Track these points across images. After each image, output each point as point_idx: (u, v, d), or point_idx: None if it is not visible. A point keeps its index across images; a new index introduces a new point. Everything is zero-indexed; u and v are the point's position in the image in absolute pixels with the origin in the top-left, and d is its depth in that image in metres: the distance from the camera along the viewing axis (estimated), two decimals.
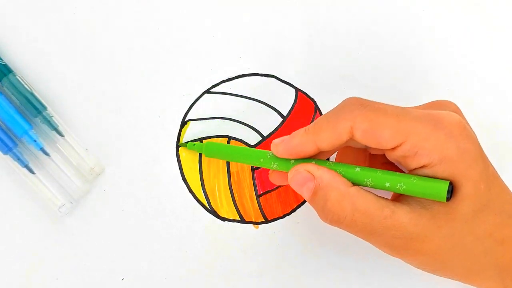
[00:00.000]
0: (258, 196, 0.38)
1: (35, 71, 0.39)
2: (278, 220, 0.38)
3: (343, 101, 0.30)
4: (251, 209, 0.38)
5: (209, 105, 0.39)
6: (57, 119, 0.37)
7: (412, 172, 0.29)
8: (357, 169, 0.30)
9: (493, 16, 0.41)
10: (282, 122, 0.39)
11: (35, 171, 0.37)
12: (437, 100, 0.33)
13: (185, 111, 0.39)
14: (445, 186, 0.27)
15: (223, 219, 0.38)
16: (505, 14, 0.41)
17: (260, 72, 0.40)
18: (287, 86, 0.40)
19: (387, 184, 0.29)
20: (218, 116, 0.39)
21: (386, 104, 0.29)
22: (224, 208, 0.38)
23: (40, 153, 0.37)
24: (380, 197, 0.29)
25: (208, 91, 0.40)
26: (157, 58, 0.40)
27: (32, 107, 0.37)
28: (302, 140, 0.30)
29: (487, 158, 0.30)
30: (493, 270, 0.30)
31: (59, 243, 0.37)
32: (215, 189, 0.38)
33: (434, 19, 0.41)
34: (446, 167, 0.28)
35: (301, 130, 0.31)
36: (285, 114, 0.39)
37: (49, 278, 0.36)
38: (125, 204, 0.37)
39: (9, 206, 0.37)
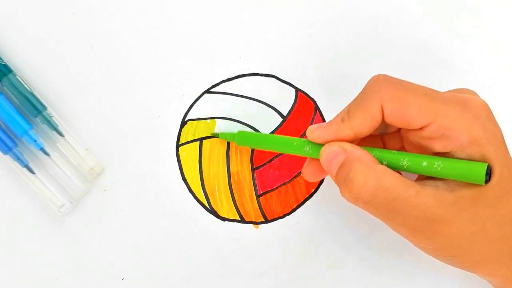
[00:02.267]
0: (258, 196, 0.38)
1: (35, 71, 0.39)
2: (278, 220, 0.38)
3: (370, 80, 0.30)
4: (251, 209, 0.38)
5: (209, 105, 0.39)
6: (57, 119, 0.37)
7: (436, 155, 0.29)
8: (393, 152, 0.30)
9: (493, 16, 0.41)
10: (282, 122, 0.39)
11: (35, 171, 0.37)
12: (458, 88, 0.33)
13: (185, 111, 0.39)
14: (483, 168, 0.27)
15: (223, 219, 0.38)
16: (506, 15, 0.41)
17: (260, 72, 0.40)
18: (287, 86, 0.40)
19: (424, 163, 0.28)
20: (218, 116, 0.39)
21: (414, 83, 0.29)
22: (224, 208, 0.38)
23: (40, 153, 0.37)
24: (406, 178, 0.29)
25: (208, 91, 0.40)
26: (157, 58, 0.40)
27: (32, 107, 0.37)
28: (338, 128, 0.30)
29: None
30: (508, 256, 0.30)
31: (59, 243, 0.37)
32: (215, 189, 0.38)
33: (434, 19, 0.41)
34: (475, 149, 0.28)
35: (338, 119, 0.31)
36: (285, 114, 0.39)
37: (49, 278, 0.36)
38: (125, 204, 0.37)
39: (9, 206, 0.37)
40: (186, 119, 0.39)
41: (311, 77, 0.40)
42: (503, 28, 0.41)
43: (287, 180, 0.38)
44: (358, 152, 0.30)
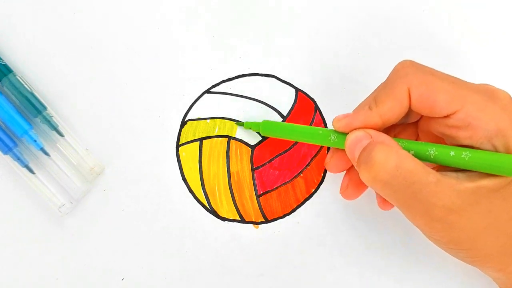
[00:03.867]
0: (258, 196, 0.38)
1: (35, 71, 0.39)
2: (278, 220, 0.38)
3: (396, 66, 0.30)
4: (251, 209, 0.38)
5: (209, 105, 0.39)
6: (57, 119, 0.37)
7: (460, 146, 0.29)
8: (420, 142, 0.29)
9: (492, 17, 0.41)
10: (282, 122, 0.39)
11: (35, 171, 0.37)
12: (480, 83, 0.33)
13: (185, 111, 0.39)
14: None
15: (223, 219, 0.38)
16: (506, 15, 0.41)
17: (260, 72, 0.40)
18: (287, 86, 0.40)
19: (452, 153, 0.28)
20: (218, 116, 0.39)
21: (440, 71, 0.29)
22: (224, 208, 0.38)
23: (40, 153, 0.37)
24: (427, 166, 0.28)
25: (208, 91, 0.40)
26: (157, 58, 0.40)
27: (32, 107, 0.37)
28: (366, 116, 0.30)
29: None
30: None
31: (59, 243, 0.37)
32: (215, 189, 0.38)
33: (434, 19, 0.41)
34: (500, 141, 0.27)
35: (365, 107, 0.30)
36: (285, 114, 0.39)
37: (49, 278, 0.36)
38: (125, 204, 0.37)
39: (9, 206, 0.37)
40: (186, 119, 0.39)
41: (311, 77, 0.40)
42: (503, 27, 0.41)
43: (287, 180, 0.38)
44: (383, 136, 0.29)
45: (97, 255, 0.37)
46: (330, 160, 0.33)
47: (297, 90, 0.40)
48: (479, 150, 0.28)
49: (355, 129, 0.30)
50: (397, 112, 0.29)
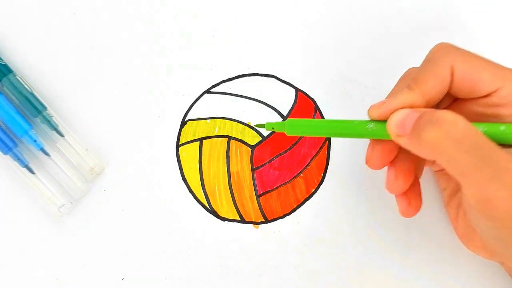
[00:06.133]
0: (258, 196, 0.38)
1: (35, 71, 0.39)
2: (278, 220, 0.38)
3: (434, 48, 0.30)
4: (251, 209, 0.38)
5: (209, 105, 0.39)
6: (57, 119, 0.37)
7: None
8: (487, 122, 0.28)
9: (492, 17, 0.41)
10: None
11: (35, 171, 0.37)
12: None
13: (185, 111, 0.39)
14: None
15: (223, 219, 0.37)
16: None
17: (260, 72, 0.40)
18: (287, 86, 0.40)
19: (502, 128, 0.27)
20: (218, 116, 0.39)
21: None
22: (224, 208, 0.38)
23: (40, 153, 0.37)
24: None
25: (208, 91, 0.40)
26: (157, 58, 0.40)
27: (32, 107, 0.37)
28: (407, 97, 0.29)
29: None
30: None
31: (59, 243, 0.37)
32: (215, 189, 0.38)
33: (435, 19, 0.41)
34: None
35: (403, 89, 0.29)
36: (285, 114, 0.39)
37: (49, 278, 0.36)
38: (125, 204, 0.37)
39: (9, 206, 0.37)
40: (186, 119, 0.39)
41: (311, 77, 0.40)
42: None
43: (287, 180, 0.38)
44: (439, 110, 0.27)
45: (97, 255, 0.37)
46: (371, 154, 0.31)
47: (297, 90, 0.40)
48: None
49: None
50: (440, 91, 0.28)
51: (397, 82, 0.32)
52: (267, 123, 0.33)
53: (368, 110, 0.30)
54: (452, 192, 0.34)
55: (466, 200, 0.28)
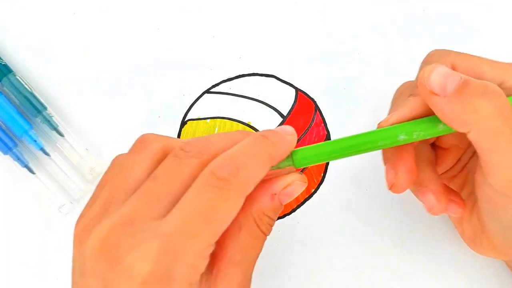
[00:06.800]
0: None
1: (35, 71, 0.39)
2: (278, 220, 0.38)
3: (429, 53, 0.30)
4: None
5: (209, 105, 0.39)
6: (57, 119, 0.37)
7: None
8: None
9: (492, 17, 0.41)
10: (282, 122, 0.39)
11: (35, 171, 0.37)
12: None
13: (185, 111, 0.39)
14: None
15: None
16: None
17: (260, 72, 0.40)
18: (287, 86, 0.40)
19: None
20: (218, 116, 0.39)
21: None
22: None
23: (40, 153, 0.37)
24: None
25: (208, 91, 0.40)
26: (157, 58, 0.40)
27: (32, 107, 0.37)
28: (415, 104, 0.28)
29: None
30: None
31: (59, 243, 0.37)
32: None
33: (435, 19, 0.41)
34: None
35: (408, 99, 0.28)
36: (285, 114, 0.39)
37: (49, 278, 0.36)
38: None
39: (9, 206, 0.37)
40: (186, 119, 0.39)
41: (311, 77, 0.40)
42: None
43: None
44: None
45: None
46: (396, 178, 0.29)
47: (297, 90, 0.40)
48: None
49: (411, 117, 0.27)
50: None
51: (395, 99, 0.31)
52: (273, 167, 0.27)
53: (378, 124, 0.28)
54: None
55: (487, 188, 0.27)
